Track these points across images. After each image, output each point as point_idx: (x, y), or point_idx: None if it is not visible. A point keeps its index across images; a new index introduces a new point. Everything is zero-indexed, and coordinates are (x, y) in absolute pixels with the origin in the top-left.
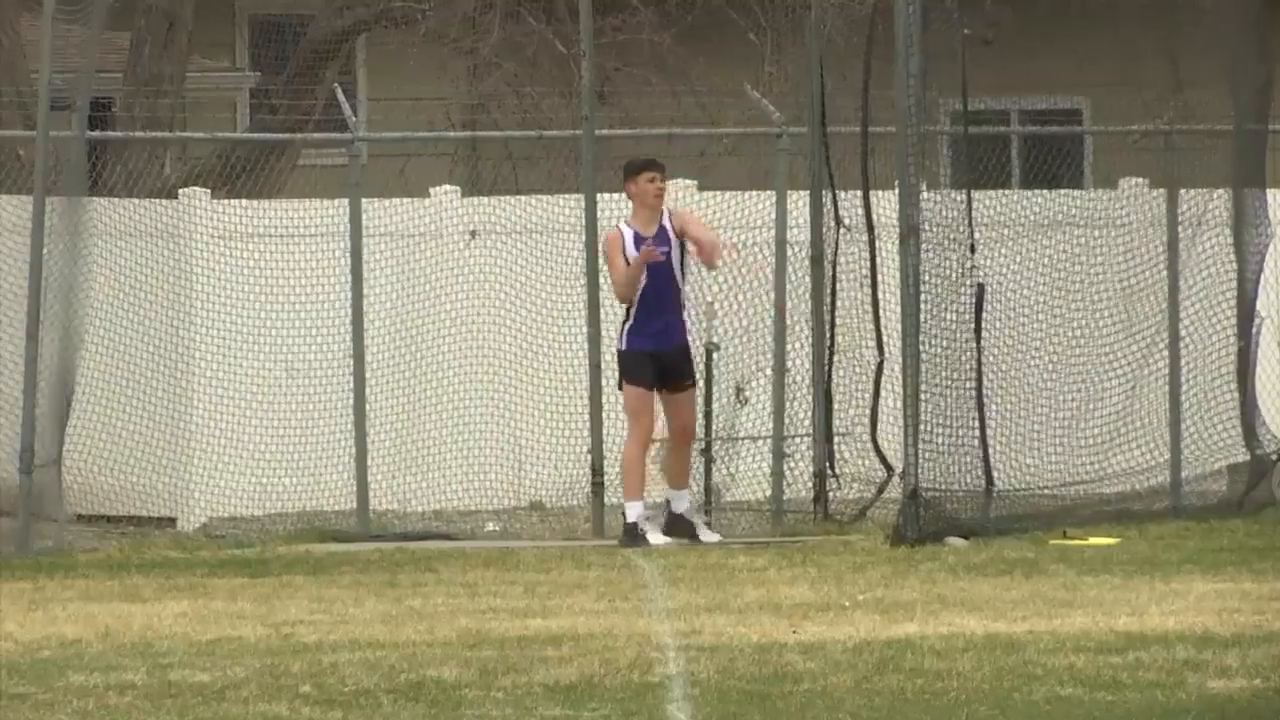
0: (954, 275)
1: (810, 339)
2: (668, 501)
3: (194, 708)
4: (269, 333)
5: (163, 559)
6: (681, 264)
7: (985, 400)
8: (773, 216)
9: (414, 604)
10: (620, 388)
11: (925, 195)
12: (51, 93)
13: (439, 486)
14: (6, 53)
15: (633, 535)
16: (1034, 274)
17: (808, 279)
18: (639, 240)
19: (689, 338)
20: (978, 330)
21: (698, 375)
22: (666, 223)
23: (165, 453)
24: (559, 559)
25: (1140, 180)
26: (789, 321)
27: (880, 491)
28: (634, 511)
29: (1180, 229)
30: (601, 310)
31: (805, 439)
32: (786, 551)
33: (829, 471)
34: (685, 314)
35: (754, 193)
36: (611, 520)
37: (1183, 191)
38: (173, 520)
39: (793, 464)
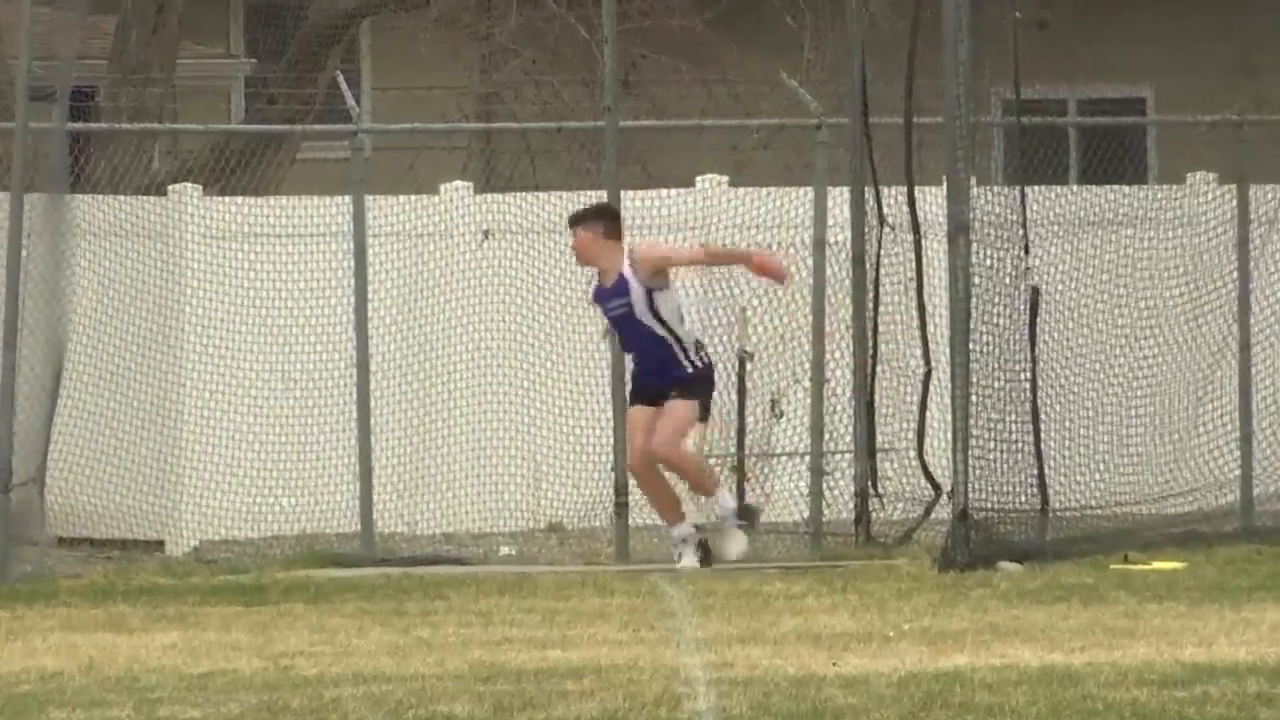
0: (1006, 278)
1: (851, 347)
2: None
3: None
4: (266, 341)
5: (151, 585)
6: (652, 307)
7: (1040, 413)
8: (811, 215)
9: (423, 634)
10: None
11: (975, 191)
12: (30, 81)
13: (450, 507)
14: None
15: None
16: (1093, 276)
17: (848, 282)
18: (597, 293)
19: (688, 365)
20: (1032, 337)
21: (728, 385)
22: (626, 270)
23: (154, 471)
24: (580, 585)
25: (1208, 175)
26: (828, 328)
27: (927, 512)
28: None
29: (1251, 227)
30: None
31: (846, 455)
32: (826, 577)
33: (871, 491)
34: (685, 345)
35: (791, 189)
36: (636, 543)
37: (1254, 187)
38: (161, 544)
39: (832, 482)
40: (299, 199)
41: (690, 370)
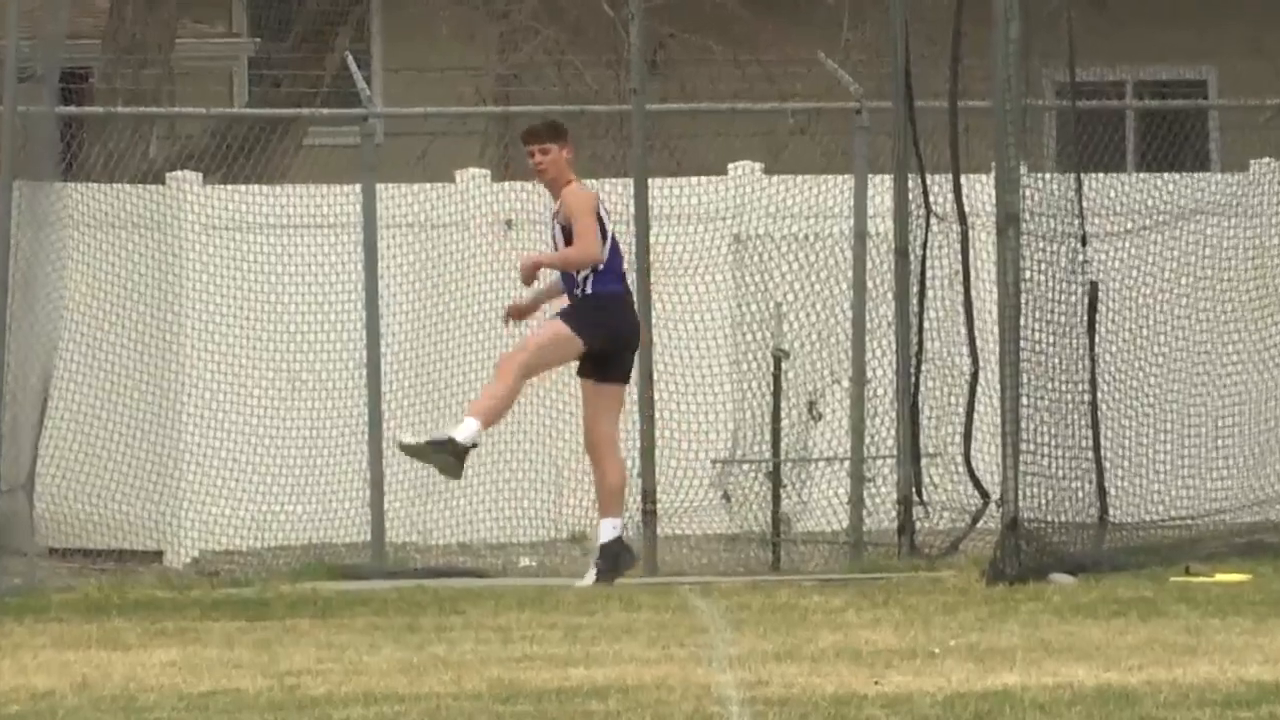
0: (1060, 272)
1: (894, 345)
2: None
3: None
4: (270, 339)
5: (148, 599)
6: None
7: (1098, 416)
8: (851, 204)
9: (438, 651)
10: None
11: (1026, 180)
12: (18, 61)
13: (466, 515)
14: None
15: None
16: (1154, 270)
17: (891, 276)
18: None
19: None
20: (1091, 335)
21: (763, 386)
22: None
23: (151, 477)
24: (604, 599)
25: (1273, 162)
26: (869, 325)
27: (975, 521)
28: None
29: None
30: (653, 312)
31: (888, 461)
32: (867, 590)
33: (916, 498)
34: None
35: (830, 177)
36: (664, 554)
37: None
38: (160, 554)
39: (874, 489)
40: (306, 188)
41: (578, 295)
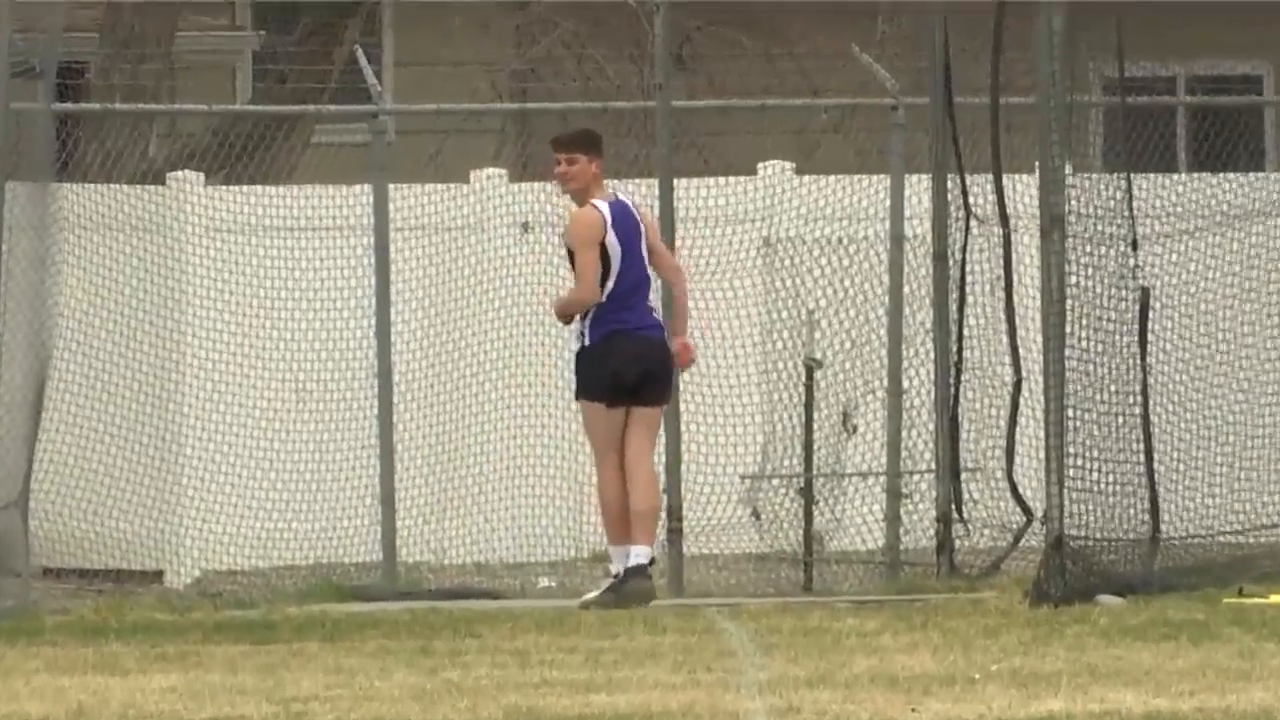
0: (1110, 277)
1: (932, 354)
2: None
3: None
4: (276, 348)
5: (147, 622)
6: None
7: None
8: (887, 205)
9: (452, 676)
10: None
11: (1072, 180)
12: (11, 56)
13: (482, 533)
14: None
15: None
16: (1208, 274)
17: (929, 281)
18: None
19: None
20: (1142, 344)
21: (794, 397)
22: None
23: (150, 493)
24: (627, 621)
25: None
26: (905, 333)
27: (1017, 539)
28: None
29: None
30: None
31: (926, 476)
32: (904, 612)
33: (955, 515)
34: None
35: (864, 177)
36: (691, 574)
37: None
38: (160, 575)
39: (911, 506)
40: (313, 189)
41: (579, 346)
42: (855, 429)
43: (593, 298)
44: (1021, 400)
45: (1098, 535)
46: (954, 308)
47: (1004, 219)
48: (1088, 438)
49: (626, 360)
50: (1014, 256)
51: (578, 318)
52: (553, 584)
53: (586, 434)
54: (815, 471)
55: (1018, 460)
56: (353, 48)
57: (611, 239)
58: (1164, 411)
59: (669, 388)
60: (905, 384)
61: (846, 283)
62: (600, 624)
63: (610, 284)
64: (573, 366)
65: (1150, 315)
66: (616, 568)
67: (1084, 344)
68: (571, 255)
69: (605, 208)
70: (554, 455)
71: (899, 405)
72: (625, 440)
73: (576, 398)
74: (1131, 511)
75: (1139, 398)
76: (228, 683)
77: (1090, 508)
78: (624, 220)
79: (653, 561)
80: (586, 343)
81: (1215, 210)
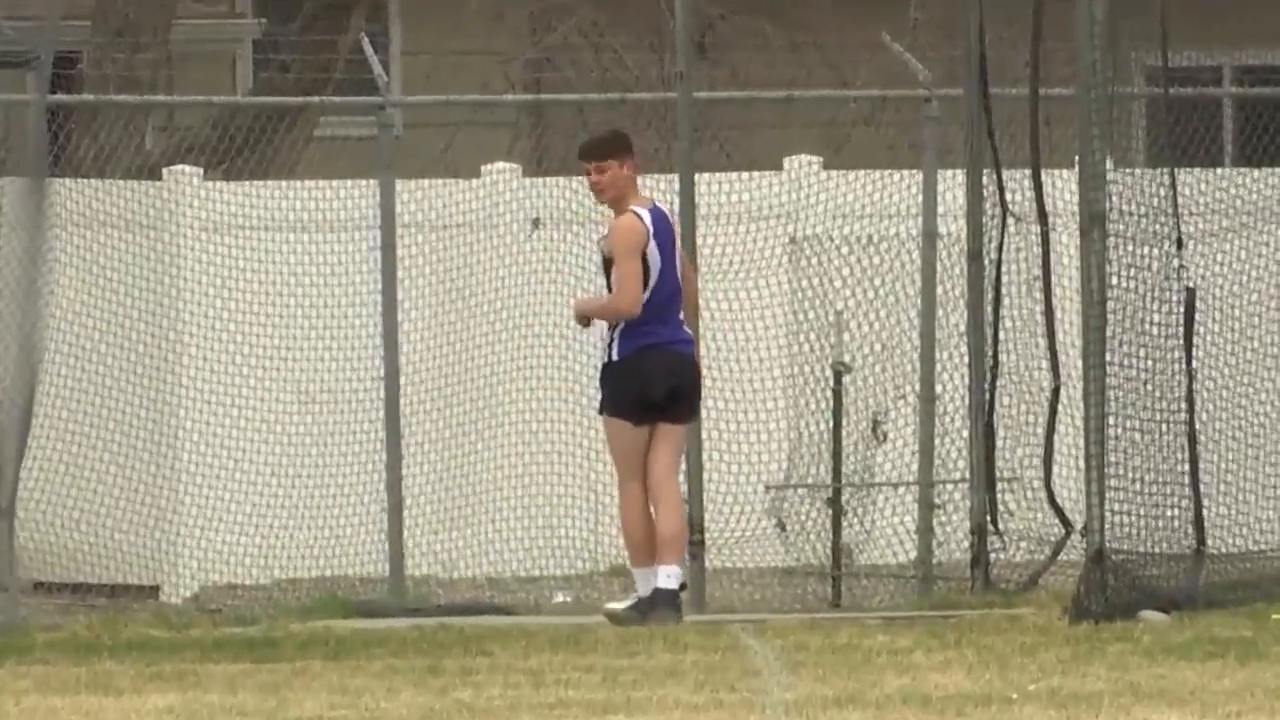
0: (1153, 277)
1: (966, 358)
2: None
3: None
4: (278, 350)
5: (143, 639)
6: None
7: (1196, 436)
8: (919, 202)
9: (462, 696)
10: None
11: (1113, 175)
12: (3, 46)
13: (494, 547)
14: None
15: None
16: (1257, 274)
17: (963, 281)
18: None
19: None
20: (1188, 348)
21: (822, 403)
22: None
23: (146, 504)
24: (647, 639)
25: None
26: (938, 335)
27: (1056, 553)
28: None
29: None
30: (700, 321)
31: (960, 486)
32: (937, 629)
33: (991, 527)
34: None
35: (895, 172)
36: (714, 589)
37: None
38: (156, 589)
39: (944, 517)
40: (316, 184)
41: (607, 359)
42: (885, 436)
43: (634, 311)
44: (1060, 407)
45: (1140, 548)
46: (989, 309)
47: (1042, 216)
48: (1130, 446)
49: (657, 376)
50: (1053, 256)
51: (603, 324)
52: (568, 599)
53: (610, 451)
54: (844, 481)
55: (1056, 469)
56: (358, 36)
57: (652, 249)
58: (1209, 418)
59: (698, 405)
60: (938, 389)
61: (877, 283)
62: (618, 641)
63: (646, 295)
64: (598, 379)
65: (1196, 318)
66: (642, 589)
67: (1126, 348)
68: (607, 263)
69: (647, 216)
70: (569, 462)
71: (931, 411)
72: (650, 458)
73: (600, 412)
74: (1176, 523)
75: (1184, 404)
76: (227, 703)
77: (1132, 519)
78: (663, 228)
79: (683, 586)
80: (615, 356)
81: (1264, 207)
